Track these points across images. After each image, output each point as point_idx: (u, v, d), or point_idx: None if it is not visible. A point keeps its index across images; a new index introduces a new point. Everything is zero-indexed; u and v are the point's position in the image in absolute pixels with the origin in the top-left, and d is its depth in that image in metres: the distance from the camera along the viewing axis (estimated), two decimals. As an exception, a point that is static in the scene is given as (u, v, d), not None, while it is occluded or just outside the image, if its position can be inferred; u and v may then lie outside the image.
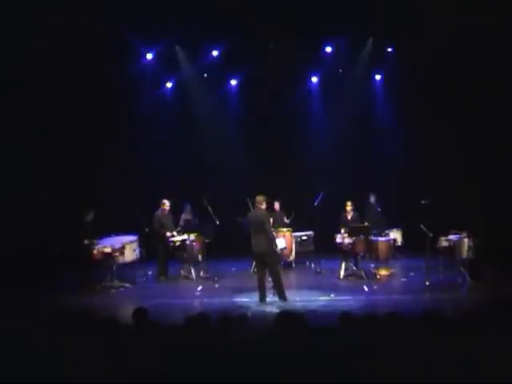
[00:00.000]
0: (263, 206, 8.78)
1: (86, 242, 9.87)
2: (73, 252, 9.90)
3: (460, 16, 10.63)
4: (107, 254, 9.83)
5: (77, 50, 11.18)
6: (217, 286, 10.07)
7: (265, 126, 13.00)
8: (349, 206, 10.83)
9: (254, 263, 10.95)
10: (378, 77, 13.52)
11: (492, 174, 11.42)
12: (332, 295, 9.01)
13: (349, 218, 10.82)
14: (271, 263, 8.63)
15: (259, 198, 8.79)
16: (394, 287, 9.84)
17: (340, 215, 10.86)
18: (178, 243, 10.63)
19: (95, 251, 9.82)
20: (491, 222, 9.55)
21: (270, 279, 8.77)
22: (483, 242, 9.33)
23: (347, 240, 10.36)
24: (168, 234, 10.64)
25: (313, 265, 11.29)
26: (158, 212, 10.70)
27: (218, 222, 10.68)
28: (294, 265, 11.51)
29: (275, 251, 8.79)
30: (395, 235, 11.84)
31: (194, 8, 10.91)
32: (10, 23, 9.77)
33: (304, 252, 11.48)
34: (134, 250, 10.29)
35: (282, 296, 8.56)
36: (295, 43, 12.31)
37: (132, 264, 10.32)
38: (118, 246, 9.94)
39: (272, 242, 8.64)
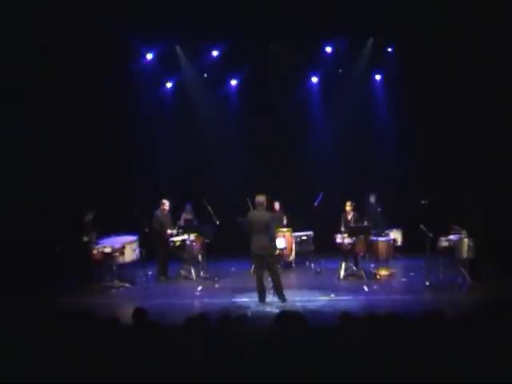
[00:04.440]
0: (264, 207, 8.76)
1: (86, 241, 9.89)
2: (73, 252, 9.90)
3: (460, 16, 10.64)
4: (107, 253, 9.83)
5: (77, 50, 11.18)
6: (217, 285, 10.07)
7: (265, 125, 12.99)
8: (349, 206, 10.82)
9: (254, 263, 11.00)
10: (378, 77, 13.52)
11: (492, 174, 11.43)
12: (332, 295, 9.02)
13: (349, 218, 10.81)
14: (271, 264, 8.65)
15: (260, 199, 8.74)
16: (393, 287, 9.83)
17: (340, 215, 10.85)
18: (178, 243, 10.63)
19: (95, 251, 9.83)
20: (491, 222, 9.53)
21: (269, 279, 8.77)
22: (482, 242, 9.33)
23: (347, 240, 10.36)
24: (168, 231, 10.64)
25: (313, 265, 11.29)
26: (158, 212, 10.70)
27: (218, 222, 10.68)
28: (293, 265, 11.50)
29: (275, 252, 8.83)
30: (395, 235, 11.85)
31: (194, 8, 10.91)
32: (9, 23, 9.77)
33: (304, 252, 11.48)
34: (134, 250, 10.29)
35: (281, 296, 8.56)
36: (295, 43, 12.32)
37: (132, 264, 10.32)
38: (117, 246, 9.94)
39: (274, 243, 8.74)
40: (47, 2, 10.17)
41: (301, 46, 12.37)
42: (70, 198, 11.14)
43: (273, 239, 8.75)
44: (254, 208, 8.99)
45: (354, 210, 10.89)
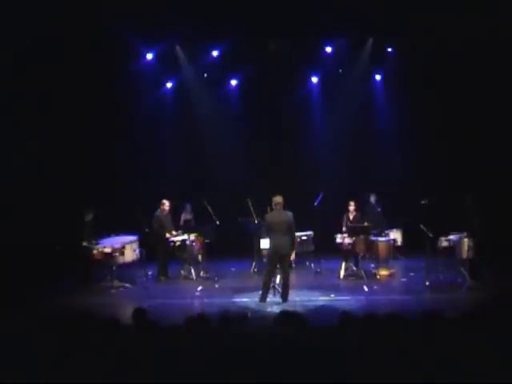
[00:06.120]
0: (281, 207, 8.75)
1: (85, 242, 9.90)
2: (73, 252, 9.90)
3: (460, 16, 10.64)
4: (107, 254, 9.83)
5: (77, 50, 11.18)
6: (217, 286, 10.07)
7: (265, 126, 12.99)
8: (352, 206, 10.80)
9: (254, 263, 11.00)
10: (378, 77, 13.52)
11: (492, 174, 11.43)
12: (332, 295, 9.03)
13: (351, 217, 10.80)
14: (288, 265, 8.72)
15: (279, 199, 8.74)
16: (393, 287, 9.84)
17: (341, 215, 10.84)
18: (178, 243, 10.63)
19: (95, 251, 9.83)
20: (491, 223, 9.54)
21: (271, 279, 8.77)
22: (481, 242, 9.33)
23: (347, 240, 10.36)
24: (167, 235, 10.64)
25: (313, 265, 11.28)
26: (158, 212, 10.70)
27: (218, 222, 10.69)
28: (293, 265, 11.46)
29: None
30: (395, 235, 11.85)
31: (194, 8, 10.91)
32: (9, 22, 9.77)
33: (304, 252, 11.45)
34: (134, 250, 10.29)
35: (286, 296, 8.58)
36: (295, 43, 12.32)
37: (132, 264, 10.31)
38: (117, 245, 9.94)
39: (295, 244, 8.84)
40: (47, 1, 10.17)
41: (301, 45, 12.37)
42: (70, 197, 11.14)
43: (294, 239, 8.78)
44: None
45: (356, 210, 10.89)
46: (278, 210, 8.74)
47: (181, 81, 13.32)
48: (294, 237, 8.77)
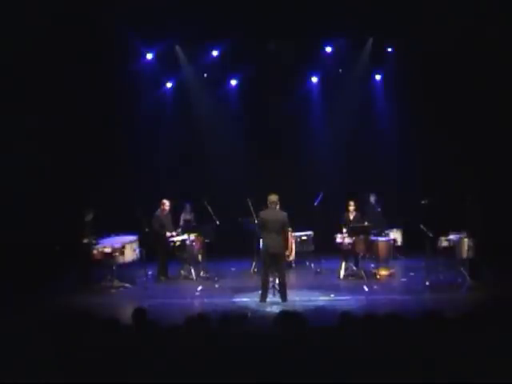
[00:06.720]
0: (277, 205, 8.74)
1: (86, 241, 9.90)
2: (73, 251, 9.90)
3: (459, 16, 10.64)
4: (107, 254, 9.81)
5: (77, 50, 11.18)
6: (217, 286, 10.07)
7: (265, 126, 12.99)
8: (351, 206, 10.80)
9: (254, 263, 11.00)
10: (377, 77, 13.53)
11: (492, 174, 11.43)
12: (332, 295, 9.02)
13: (351, 217, 10.80)
14: (282, 263, 8.71)
15: (274, 198, 8.73)
16: (393, 287, 9.83)
17: (342, 215, 10.85)
18: (178, 243, 10.63)
19: (95, 251, 9.82)
20: (491, 222, 9.54)
21: (270, 279, 8.76)
22: (482, 242, 9.32)
23: (347, 240, 10.36)
24: (168, 234, 10.65)
25: (313, 265, 11.28)
26: (158, 212, 10.69)
27: (218, 222, 10.69)
28: (293, 265, 11.48)
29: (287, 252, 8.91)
30: (395, 235, 11.85)
31: (194, 8, 10.91)
32: (9, 22, 9.77)
33: (304, 252, 11.46)
34: (134, 250, 10.28)
35: (284, 296, 8.58)
36: (295, 43, 12.32)
37: (132, 264, 10.31)
38: (117, 246, 9.93)
39: (288, 243, 8.81)
40: (47, 1, 10.17)
41: (301, 46, 12.37)
42: (70, 197, 11.14)
43: (287, 239, 8.77)
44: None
45: (356, 210, 10.89)
46: (273, 208, 8.74)
47: (181, 81, 13.32)
48: (287, 237, 8.76)
